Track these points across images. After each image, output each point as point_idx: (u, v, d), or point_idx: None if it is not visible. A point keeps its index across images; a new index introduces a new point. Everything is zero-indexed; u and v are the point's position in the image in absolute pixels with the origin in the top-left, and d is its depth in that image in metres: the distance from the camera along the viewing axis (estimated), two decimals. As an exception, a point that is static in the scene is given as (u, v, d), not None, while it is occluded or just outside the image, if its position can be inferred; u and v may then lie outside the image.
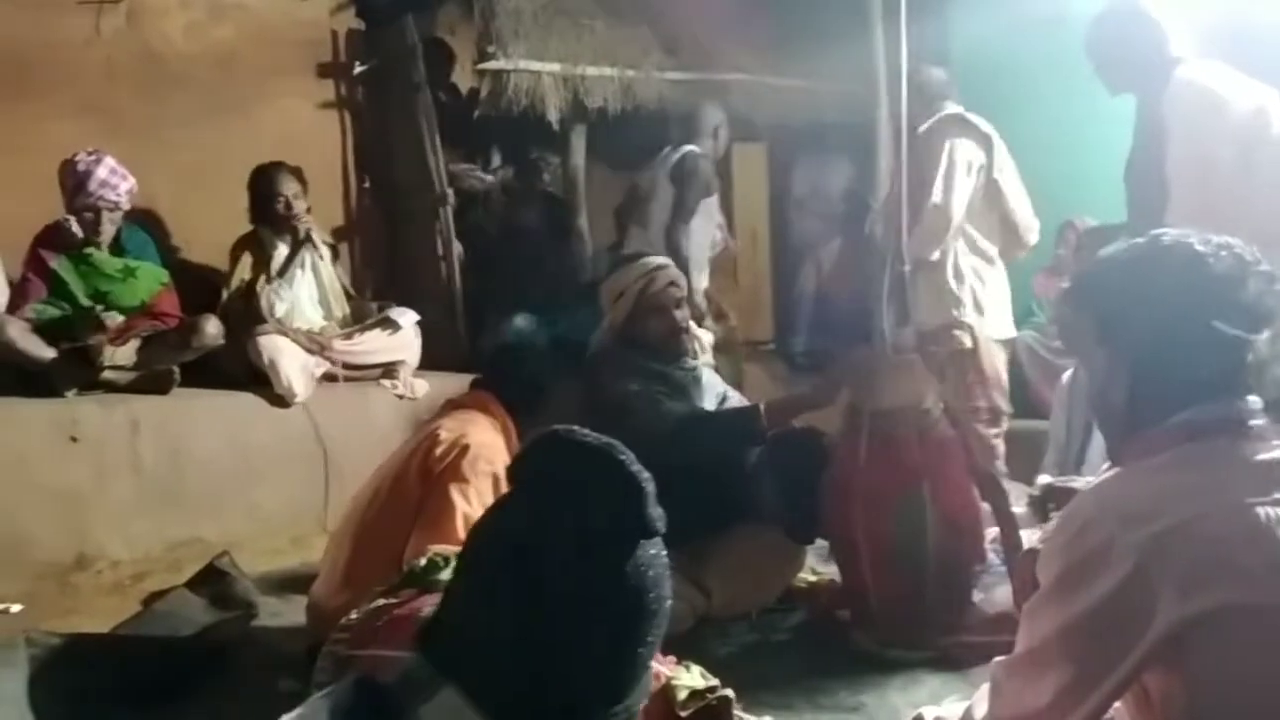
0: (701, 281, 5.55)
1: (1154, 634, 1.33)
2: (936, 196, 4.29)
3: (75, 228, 4.34)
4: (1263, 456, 1.43)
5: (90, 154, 4.35)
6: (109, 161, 4.36)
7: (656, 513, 1.09)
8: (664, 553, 1.10)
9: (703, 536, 3.25)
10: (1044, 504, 3.58)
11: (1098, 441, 3.84)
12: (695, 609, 3.16)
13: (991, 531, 3.28)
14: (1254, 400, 1.47)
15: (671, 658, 2.21)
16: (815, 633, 3.19)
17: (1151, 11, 3.49)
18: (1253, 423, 1.46)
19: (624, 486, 1.08)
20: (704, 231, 5.60)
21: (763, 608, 3.32)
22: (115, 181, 4.36)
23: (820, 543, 3.44)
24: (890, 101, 3.81)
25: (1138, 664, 1.35)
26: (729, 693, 2.09)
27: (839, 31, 4.80)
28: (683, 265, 5.17)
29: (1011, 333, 4.62)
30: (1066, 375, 4.17)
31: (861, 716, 2.64)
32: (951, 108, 4.55)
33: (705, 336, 3.54)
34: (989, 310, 4.46)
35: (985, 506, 3.20)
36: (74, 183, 4.32)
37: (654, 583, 1.07)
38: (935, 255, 4.33)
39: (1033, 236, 4.59)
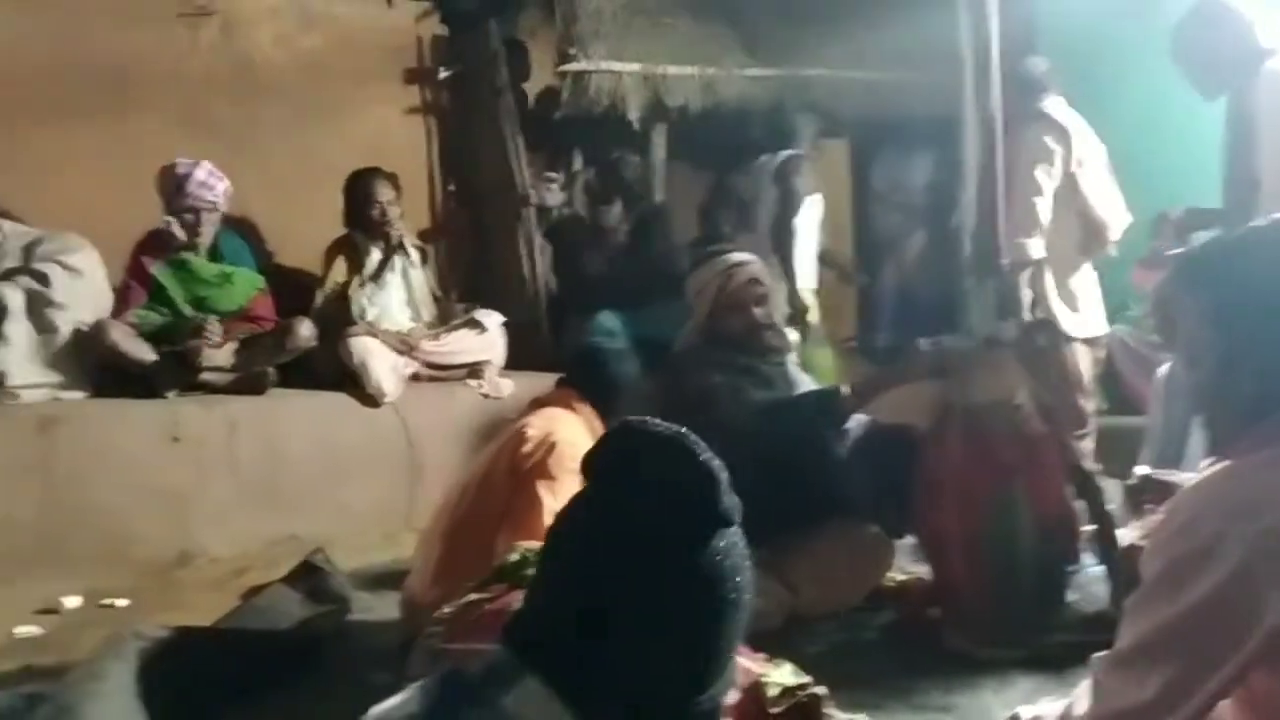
0: (809, 280, 5.57)
1: (1261, 632, 1.29)
2: (1023, 197, 4.26)
3: (177, 229, 4.48)
4: None
5: (188, 160, 4.49)
6: (206, 165, 4.51)
7: (731, 501, 1.08)
8: (741, 542, 1.09)
9: (791, 533, 3.23)
10: (1139, 494, 3.51)
11: (1197, 437, 3.73)
12: (783, 607, 3.15)
13: (1086, 529, 3.21)
14: None
15: (762, 655, 2.21)
16: (905, 632, 3.15)
17: (1235, 6, 3.45)
18: None
19: (695, 475, 1.07)
20: (810, 230, 5.63)
21: (852, 606, 3.29)
22: (213, 183, 4.50)
23: (910, 541, 3.40)
24: (978, 91, 3.75)
25: (1244, 662, 1.32)
26: (821, 690, 2.08)
27: (924, 21, 4.74)
28: (789, 265, 5.31)
29: (1100, 331, 4.50)
30: (1164, 369, 4.06)
31: (954, 717, 2.60)
32: (1052, 100, 4.46)
33: (793, 335, 3.53)
34: (1068, 308, 4.36)
35: (1080, 504, 3.13)
36: (173, 185, 4.46)
37: (731, 571, 1.06)
38: (1039, 253, 4.27)
39: (1114, 233, 4.48)
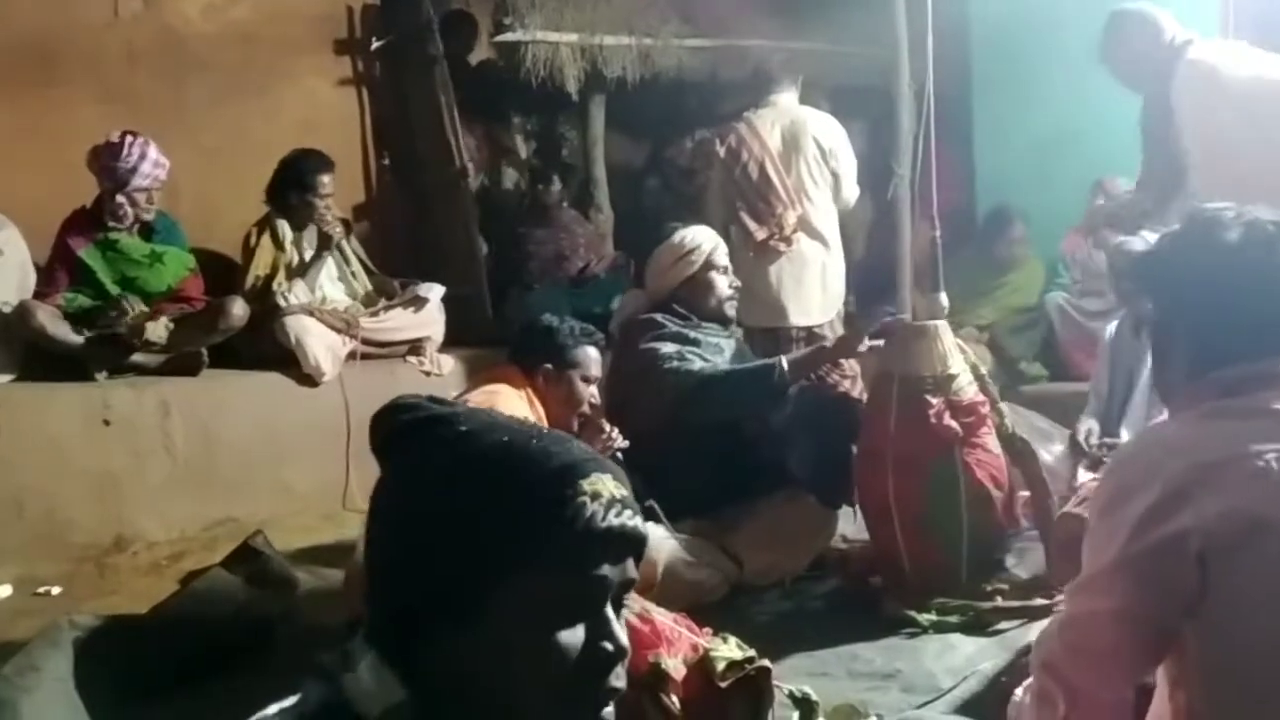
0: None
1: (1196, 541, 1.35)
2: None
3: (129, 208, 4.35)
4: None
5: (134, 136, 4.34)
6: (152, 144, 4.37)
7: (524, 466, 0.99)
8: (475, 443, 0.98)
9: (734, 505, 3.26)
10: (1081, 451, 3.63)
11: (1139, 397, 3.84)
12: (728, 578, 3.18)
13: (1023, 495, 3.27)
14: None
15: (708, 629, 2.23)
16: (848, 600, 3.20)
17: (1146, 11, 3.79)
18: None
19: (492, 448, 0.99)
20: None
21: (795, 575, 3.33)
22: (163, 160, 4.40)
23: (851, 509, 3.44)
24: (914, 62, 3.77)
25: (1188, 580, 1.37)
26: (766, 663, 2.10)
27: (861, -6, 4.75)
28: None
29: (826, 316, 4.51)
30: (1111, 328, 4.14)
31: (897, 683, 2.64)
32: (780, 91, 4.52)
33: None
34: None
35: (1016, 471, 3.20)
36: (127, 166, 4.30)
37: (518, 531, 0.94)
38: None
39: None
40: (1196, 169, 3.63)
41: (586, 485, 0.96)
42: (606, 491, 0.96)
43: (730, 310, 3.56)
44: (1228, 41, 3.81)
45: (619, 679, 0.97)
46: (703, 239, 3.57)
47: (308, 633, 3.04)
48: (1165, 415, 1.66)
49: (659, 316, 3.42)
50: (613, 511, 0.96)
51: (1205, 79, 3.65)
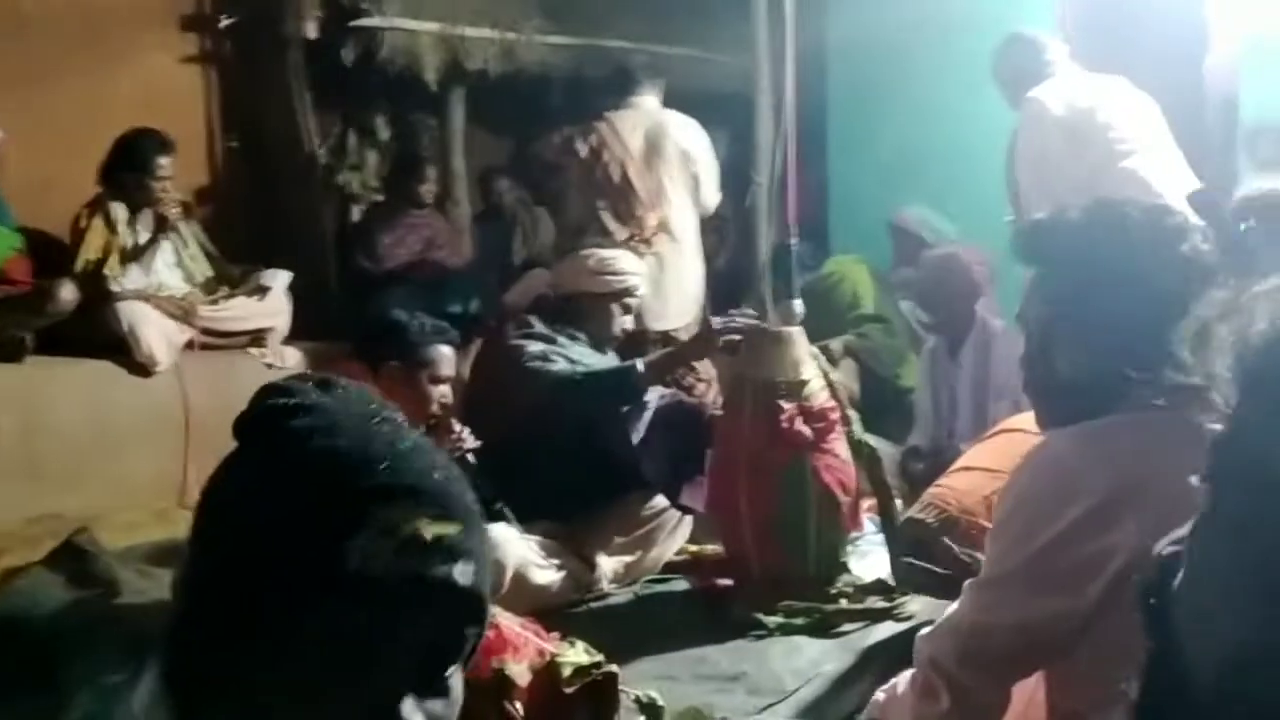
0: None
1: (1120, 558, 1.35)
2: None
3: None
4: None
5: None
6: None
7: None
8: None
9: (587, 508, 3.25)
10: (910, 463, 3.75)
11: (965, 413, 3.98)
12: (579, 580, 3.16)
13: (867, 500, 3.35)
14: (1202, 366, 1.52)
15: (555, 634, 2.20)
16: (698, 602, 3.21)
17: (1033, 34, 4.05)
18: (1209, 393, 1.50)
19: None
20: None
21: (646, 578, 3.33)
22: None
23: (703, 513, 3.47)
24: (774, 73, 3.83)
25: (1102, 589, 1.37)
26: (614, 669, 2.09)
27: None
28: None
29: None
30: (928, 346, 4.28)
31: (743, 685, 2.66)
32: (643, 93, 4.56)
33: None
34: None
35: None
36: None
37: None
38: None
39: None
40: (1023, 195, 3.87)
41: (382, 517, 0.78)
42: (410, 530, 0.78)
43: (606, 350, 3.49)
44: (1072, 73, 3.99)
45: None
46: (633, 272, 3.52)
47: (132, 637, 2.88)
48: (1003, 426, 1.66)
49: (532, 318, 3.38)
50: (406, 554, 0.78)
51: (1035, 112, 3.86)
